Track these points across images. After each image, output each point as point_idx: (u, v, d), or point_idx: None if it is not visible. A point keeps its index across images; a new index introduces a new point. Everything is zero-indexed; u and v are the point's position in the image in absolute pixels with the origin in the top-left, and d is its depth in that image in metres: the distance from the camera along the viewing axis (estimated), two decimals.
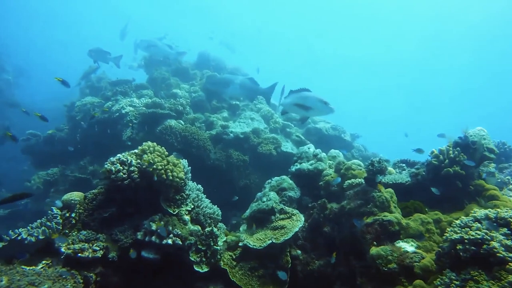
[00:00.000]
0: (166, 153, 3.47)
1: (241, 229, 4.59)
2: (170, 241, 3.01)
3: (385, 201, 3.16)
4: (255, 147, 6.86)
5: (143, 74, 8.88)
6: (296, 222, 3.63)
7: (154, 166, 3.14)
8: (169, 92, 7.89)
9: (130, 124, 6.27)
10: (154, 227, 3.03)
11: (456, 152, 3.38)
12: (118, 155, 3.35)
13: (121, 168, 3.14)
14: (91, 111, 7.09)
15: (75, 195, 3.28)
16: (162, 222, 3.08)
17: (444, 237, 2.54)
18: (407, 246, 2.84)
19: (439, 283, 2.34)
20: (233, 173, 6.48)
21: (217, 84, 7.46)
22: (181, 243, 3.08)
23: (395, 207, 3.21)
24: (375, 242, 2.94)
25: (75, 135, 7.44)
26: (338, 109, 3.73)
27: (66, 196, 3.26)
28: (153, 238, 3.01)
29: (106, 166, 3.14)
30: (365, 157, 8.32)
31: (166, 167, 3.20)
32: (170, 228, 3.08)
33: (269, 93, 6.79)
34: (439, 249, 2.58)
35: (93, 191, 3.34)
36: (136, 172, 3.16)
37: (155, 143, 3.49)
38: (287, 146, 7.20)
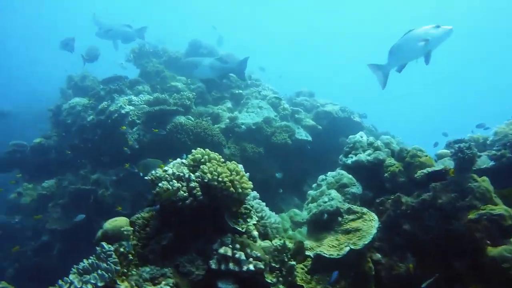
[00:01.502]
0: (222, 159, 2.92)
1: (290, 231, 4.14)
2: (251, 267, 2.50)
3: (485, 192, 2.78)
4: (269, 137, 6.43)
5: (132, 70, 8.07)
6: (371, 222, 3.20)
7: (220, 179, 2.59)
8: (165, 86, 7.23)
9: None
10: (229, 252, 2.52)
11: None
12: (167, 168, 2.77)
13: (180, 185, 2.57)
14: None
15: (121, 222, 2.69)
16: (237, 245, 2.57)
17: None
18: None
19: None
20: (249, 167, 6.02)
21: (184, 68, 7.12)
22: (263, 267, 2.58)
23: (495, 197, 2.84)
24: (488, 241, 2.57)
25: (67, 142, 6.65)
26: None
27: (110, 226, 2.65)
28: (231, 265, 2.49)
29: (161, 185, 2.55)
30: (377, 136, 8.03)
31: (232, 178, 2.65)
32: (249, 250, 2.57)
33: (241, 69, 6.48)
34: None
35: (142, 215, 2.75)
36: (198, 189, 2.60)
37: (207, 149, 2.92)
38: (301, 133, 6.82)
